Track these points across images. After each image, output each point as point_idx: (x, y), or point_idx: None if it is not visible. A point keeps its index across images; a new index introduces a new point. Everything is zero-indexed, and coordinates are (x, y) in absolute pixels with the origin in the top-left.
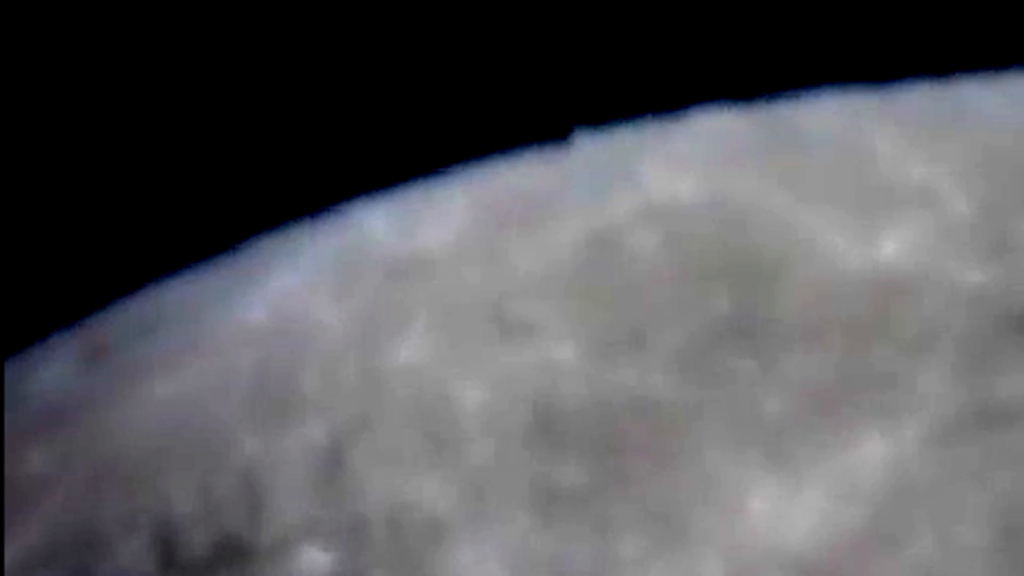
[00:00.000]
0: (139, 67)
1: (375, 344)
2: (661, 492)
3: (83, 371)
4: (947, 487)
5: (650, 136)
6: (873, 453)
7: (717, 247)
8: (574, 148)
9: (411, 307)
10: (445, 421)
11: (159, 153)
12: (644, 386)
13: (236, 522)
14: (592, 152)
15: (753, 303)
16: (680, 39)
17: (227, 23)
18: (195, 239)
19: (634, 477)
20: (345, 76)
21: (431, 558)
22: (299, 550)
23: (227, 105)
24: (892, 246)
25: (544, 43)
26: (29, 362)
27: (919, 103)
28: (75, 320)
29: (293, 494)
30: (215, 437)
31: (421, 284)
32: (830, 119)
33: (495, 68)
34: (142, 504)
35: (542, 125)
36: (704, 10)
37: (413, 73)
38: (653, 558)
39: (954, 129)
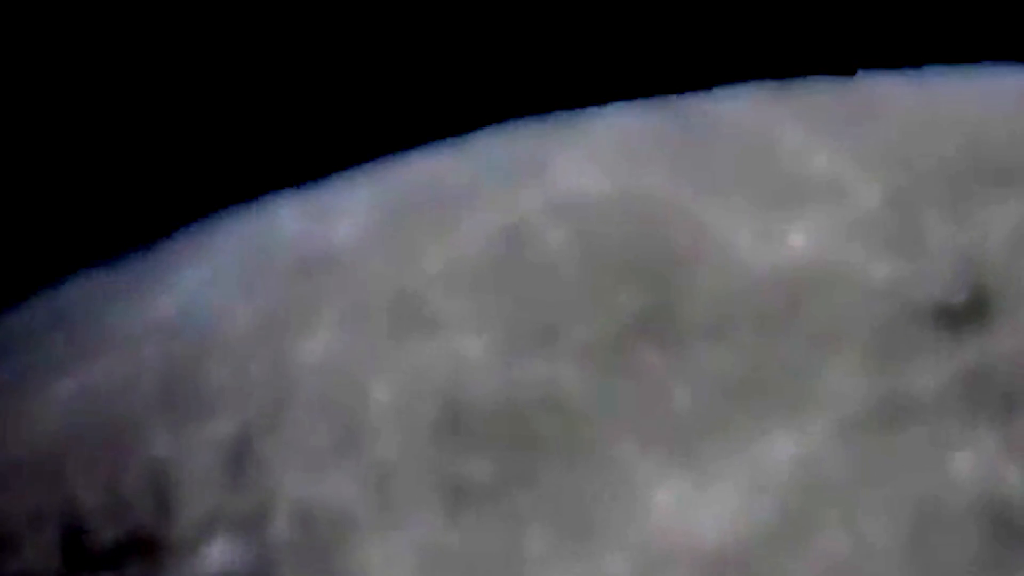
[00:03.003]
0: (46, 69)
1: (283, 339)
2: (569, 487)
3: None
4: (857, 482)
5: (559, 131)
6: (782, 448)
7: (626, 242)
8: (484, 143)
9: (319, 302)
10: (353, 416)
11: (69, 151)
12: (553, 381)
13: (144, 517)
14: (501, 147)
15: (662, 298)
16: (589, 36)
17: (134, 20)
18: (104, 236)
19: (542, 472)
20: (254, 73)
21: (339, 553)
22: (207, 544)
23: (141, 104)
24: (800, 240)
25: (455, 38)
26: None
27: (828, 97)
28: None
29: (201, 488)
30: (123, 432)
31: (329, 278)
32: (739, 114)
33: (407, 64)
34: (49, 500)
35: (452, 121)
36: (614, 7)
37: (322, 69)
38: (562, 553)
39: (863, 123)
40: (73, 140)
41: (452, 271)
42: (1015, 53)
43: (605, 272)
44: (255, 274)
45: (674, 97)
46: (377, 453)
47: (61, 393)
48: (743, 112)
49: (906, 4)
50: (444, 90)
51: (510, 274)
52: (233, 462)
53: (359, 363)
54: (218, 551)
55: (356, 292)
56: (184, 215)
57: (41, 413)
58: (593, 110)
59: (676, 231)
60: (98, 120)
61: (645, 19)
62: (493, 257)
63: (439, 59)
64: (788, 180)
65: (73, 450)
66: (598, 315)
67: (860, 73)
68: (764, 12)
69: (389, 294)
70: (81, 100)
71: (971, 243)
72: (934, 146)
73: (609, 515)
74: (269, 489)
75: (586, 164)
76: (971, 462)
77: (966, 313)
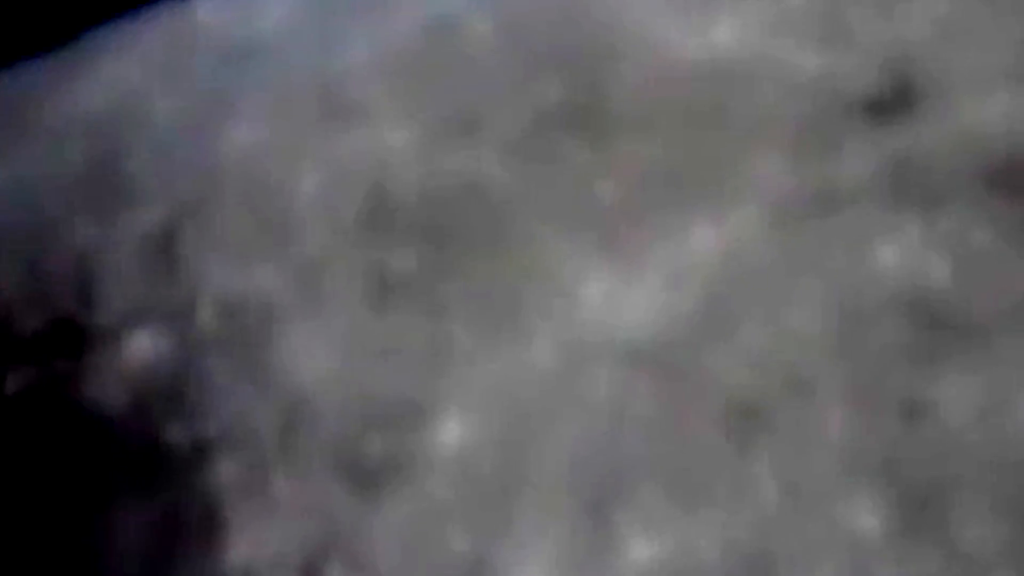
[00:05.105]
0: None
1: (208, 129)
2: (494, 278)
3: None
4: (781, 273)
5: None
6: (706, 239)
7: (552, 35)
8: None
9: (244, 91)
10: (277, 206)
11: None
12: (477, 171)
13: (69, 306)
14: None
15: (586, 90)
16: None
17: None
18: (28, 31)
19: (467, 263)
20: None
21: (263, 343)
22: (131, 333)
23: None
24: (726, 33)
25: None
26: None
27: None
28: None
29: (126, 279)
30: (47, 222)
31: (254, 67)
32: None
33: None
34: None
35: None
36: None
37: None
38: (487, 343)
39: None
40: None
41: (378, 61)
42: None
43: (530, 64)
44: (180, 64)
45: None
46: (302, 244)
47: None
48: None
49: None
50: None
51: (435, 65)
52: (158, 252)
53: (285, 153)
54: (143, 341)
55: (281, 81)
56: (108, 9)
57: None
58: None
59: (601, 24)
60: None
61: None
62: (419, 48)
63: None
64: None
65: None
66: (523, 107)
67: None
68: None
69: (314, 83)
70: None
71: (897, 35)
72: None
73: (533, 306)
74: (194, 280)
75: None
76: (897, 253)
77: (892, 105)
